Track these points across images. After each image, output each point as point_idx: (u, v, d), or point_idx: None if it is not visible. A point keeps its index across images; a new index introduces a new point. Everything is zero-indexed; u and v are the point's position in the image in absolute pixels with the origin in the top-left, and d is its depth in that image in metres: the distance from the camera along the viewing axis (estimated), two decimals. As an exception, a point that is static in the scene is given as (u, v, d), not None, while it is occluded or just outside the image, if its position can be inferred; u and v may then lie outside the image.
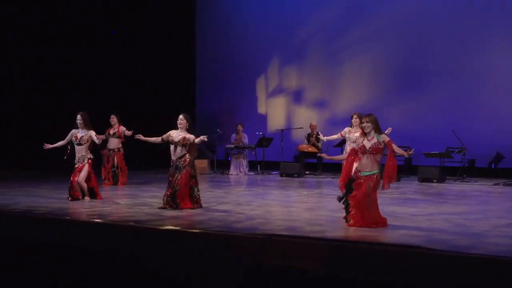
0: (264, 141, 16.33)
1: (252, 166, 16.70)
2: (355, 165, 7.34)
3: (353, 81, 16.79)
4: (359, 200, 7.04)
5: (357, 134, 7.85)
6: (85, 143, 9.94)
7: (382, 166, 7.30)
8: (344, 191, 7.35)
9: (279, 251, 5.92)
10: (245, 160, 16.54)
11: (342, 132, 10.54)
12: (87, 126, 10.01)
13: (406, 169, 14.79)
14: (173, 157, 8.85)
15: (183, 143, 8.78)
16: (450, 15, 15.54)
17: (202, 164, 16.04)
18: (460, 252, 5.41)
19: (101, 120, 12.68)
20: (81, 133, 9.97)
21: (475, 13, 15.27)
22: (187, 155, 8.81)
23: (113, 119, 12.87)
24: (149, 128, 17.02)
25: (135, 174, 14.38)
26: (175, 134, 8.87)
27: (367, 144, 7.18)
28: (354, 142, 7.73)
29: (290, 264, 5.76)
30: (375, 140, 7.18)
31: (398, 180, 13.65)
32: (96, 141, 9.98)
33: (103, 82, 17.49)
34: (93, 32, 17.45)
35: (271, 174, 16.03)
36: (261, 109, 18.49)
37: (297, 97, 17.80)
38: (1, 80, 15.92)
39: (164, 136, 8.99)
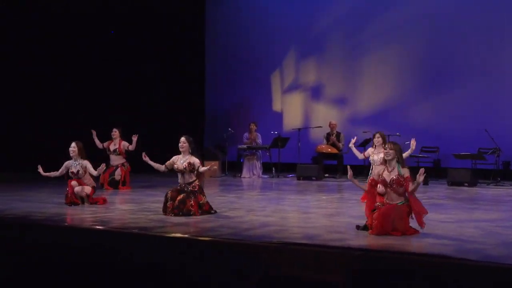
0: (280, 141, 16.32)
1: (266, 168, 16.69)
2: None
3: (376, 76, 16.75)
4: (383, 212, 7.02)
5: (381, 155, 8.11)
6: (83, 175, 10.02)
7: None
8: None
9: (296, 261, 5.91)
10: (259, 162, 16.54)
11: (365, 153, 10.79)
12: (82, 156, 10.05)
13: (435, 172, 14.72)
14: (181, 181, 8.87)
15: (190, 169, 8.78)
16: (481, 6, 15.47)
17: (212, 166, 16.01)
18: (493, 263, 5.38)
19: (107, 121, 12.71)
20: (77, 167, 10.01)
21: (506, 3, 15.18)
22: (196, 181, 8.82)
23: (115, 133, 12.87)
24: (156, 127, 17.23)
25: (139, 177, 14.42)
26: (179, 162, 8.85)
27: (387, 177, 7.25)
28: (379, 164, 7.91)
29: (307, 275, 5.75)
30: (395, 172, 7.23)
31: (426, 183, 13.61)
32: (94, 173, 9.99)
33: (108, 78, 17.61)
34: (97, 30, 17.71)
35: (287, 177, 16.02)
36: (276, 107, 18.48)
37: (315, 93, 17.78)
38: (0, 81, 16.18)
39: (168, 163, 8.99)
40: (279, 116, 18.34)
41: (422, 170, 7.06)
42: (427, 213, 7.25)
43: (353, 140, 11.12)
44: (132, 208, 9.54)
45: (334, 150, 15.80)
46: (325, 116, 17.11)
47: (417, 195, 7.36)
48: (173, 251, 6.65)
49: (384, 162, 7.41)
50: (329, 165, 16.20)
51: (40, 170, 10.08)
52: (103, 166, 9.81)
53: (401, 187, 7.20)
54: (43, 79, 16.59)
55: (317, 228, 7.53)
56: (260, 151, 16.59)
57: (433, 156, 15.15)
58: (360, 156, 10.98)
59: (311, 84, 17.88)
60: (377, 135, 10.18)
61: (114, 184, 12.57)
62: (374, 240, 6.79)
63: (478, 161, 14.19)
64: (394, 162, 7.29)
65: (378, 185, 7.36)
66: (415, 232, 7.12)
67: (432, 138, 15.19)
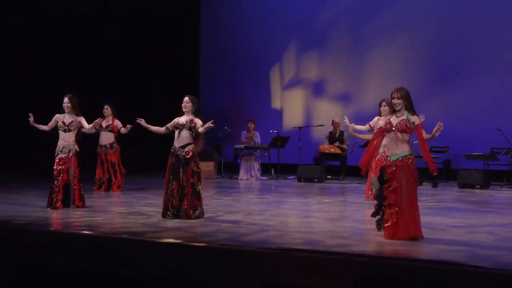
0: (279, 141, 16.33)
1: (265, 169, 16.71)
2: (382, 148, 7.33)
3: (382, 71, 16.76)
4: (397, 210, 6.97)
5: None
6: (74, 129, 9.93)
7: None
8: (365, 175, 7.34)
9: (296, 268, 5.91)
10: (257, 163, 16.55)
11: (371, 123, 10.40)
12: (76, 111, 10.00)
13: (444, 174, 14.73)
14: (176, 144, 8.83)
15: (190, 125, 8.76)
16: (493, 1, 15.49)
17: (207, 167, 16.07)
18: (507, 270, 5.37)
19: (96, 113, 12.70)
20: (70, 118, 9.96)
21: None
22: (191, 146, 8.79)
23: (107, 110, 12.78)
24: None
25: (130, 179, 14.41)
26: (182, 119, 8.86)
27: (394, 120, 7.14)
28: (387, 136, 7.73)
29: (308, 283, 5.74)
30: (404, 117, 7.13)
31: (435, 185, 13.62)
32: (87, 127, 9.95)
33: (105, 77, 17.76)
34: (97, 30, 17.95)
35: (287, 179, 16.03)
36: (276, 104, 18.49)
37: (317, 89, 17.80)
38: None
39: (169, 125, 8.93)
40: (278, 114, 18.35)
41: (440, 124, 7.00)
42: (437, 172, 7.22)
43: (346, 121, 10.59)
44: (122, 212, 9.53)
45: (337, 150, 15.80)
46: (327, 114, 17.11)
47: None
48: (166, 257, 6.64)
49: (392, 109, 7.27)
50: (332, 166, 16.22)
51: (31, 118, 10.08)
52: (100, 120, 9.77)
53: (406, 133, 7.08)
54: (42, 79, 16.75)
55: (319, 233, 7.52)
56: (258, 151, 16.60)
57: (443, 157, 15.14)
58: (365, 128, 10.55)
59: (313, 79, 17.89)
60: (384, 103, 9.89)
61: (108, 185, 12.55)
62: (380, 246, 6.78)
63: (490, 161, 14.20)
64: (403, 110, 7.19)
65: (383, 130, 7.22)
66: (421, 231, 7.07)
67: (441, 138, 14.93)
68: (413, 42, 16.32)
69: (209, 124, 8.68)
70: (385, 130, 7.17)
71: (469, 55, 15.64)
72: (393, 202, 7.00)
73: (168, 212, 8.69)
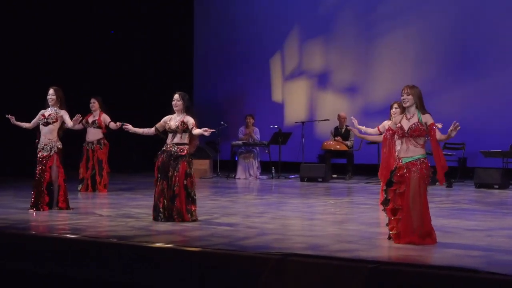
0: (281, 137, 16.34)
1: (264, 168, 16.72)
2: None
3: (393, 61, 16.76)
4: (402, 215, 7.01)
5: None
6: (54, 122, 9.86)
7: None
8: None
9: (299, 274, 5.93)
10: (256, 161, 16.56)
11: (380, 127, 10.47)
12: (61, 104, 9.99)
13: (460, 172, 14.75)
14: (169, 143, 8.80)
15: (183, 128, 8.77)
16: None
17: (202, 165, 16.09)
18: (527, 277, 5.39)
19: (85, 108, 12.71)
20: (50, 110, 9.95)
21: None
22: (186, 146, 8.80)
23: (94, 104, 12.75)
24: (138, 119, 17.26)
25: (118, 179, 14.42)
26: (172, 121, 8.83)
27: (406, 124, 7.16)
28: (398, 139, 7.72)
29: (312, 291, 5.76)
30: (415, 119, 7.15)
31: (450, 185, 13.63)
32: (69, 124, 9.88)
33: (83, 64, 17.72)
34: (96, 28, 18.10)
35: (289, 178, 16.06)
36: (276, 96, 18.51)
37: (322, 80, 17.81)
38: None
39: (158, 124, 8.91)
40: (279, 108, 18.36)
41: (456, 124, 7.01)
42: (447, 168, 7.23)
43: (355, 123, 10.49)
44: (110, 214, 9.55)
45: (344, 147, 15.81)
46: (333, 108, 17.13)
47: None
48: (157, 263, 6.66)
49: (403, 110, 7.31)
50: (338, 164, 16.23)
51: (12, 118, 10.12)
52: (78, 117, 9.76)
53: (420, 137, 7.12)
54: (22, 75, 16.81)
55: (323, 237, 7.54)
56: (257, 148, 16.61)
57: (458, 154, 15.15)
58: (374, 131, 10.56)
59: (317, 70, 17.89)
60: (395, 105, 9.89)
61: (93, 184, 12.55)
62: (389, 251, 6.81)
63: (510, 159, 14.22)
64: (413, 109, 7.21)
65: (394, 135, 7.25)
66: (434, 234, 7.09)
67: (457, 134, 15.18)
68: (428, 28, 16.30)
69: (204, 131, 8.66)
70: (398, 135, 7.20)
71: (489, 44, 15.62)
72: (400, 207, 7.03)
73: (160, 214, 8.69)
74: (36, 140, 9.99)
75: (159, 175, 8.79)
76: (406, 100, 7.18)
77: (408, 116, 7.19)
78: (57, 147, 9.89)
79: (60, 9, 17.29)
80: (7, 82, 16.23)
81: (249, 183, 15.39)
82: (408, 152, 7.13)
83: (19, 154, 15.34)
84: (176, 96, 8.85)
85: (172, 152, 8.76)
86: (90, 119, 12.65)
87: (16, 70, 16.50)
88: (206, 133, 8.71)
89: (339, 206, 10.86)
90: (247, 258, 6.35)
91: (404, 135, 7.13)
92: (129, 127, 9.14)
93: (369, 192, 12.76)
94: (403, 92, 7.22)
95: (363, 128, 10.70)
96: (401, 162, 7.14)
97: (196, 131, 8.72)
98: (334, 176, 15.85)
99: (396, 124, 7.26)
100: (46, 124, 9.87)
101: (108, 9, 18.17)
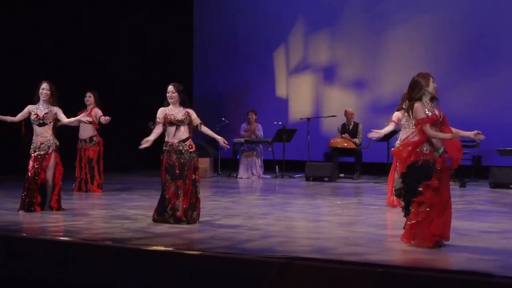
0: (285, 134, 16.35)
1: (268, 166, 16.73)
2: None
3: (402, 54, 16.76)
4: (428, 211, 6.96)
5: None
6: (50, 122, 9.88)
7: None
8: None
9: (304, 279, 5.94)
10: (259, 159, 16.57)
11: (394, 118, 10.42)
12: (53, 100, 9.97)
13: (474, 172, 14.76)
14: (173, 140, 8.74)
15: (188, 120, 8.75)
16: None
17: (202, 164, 15.98)
18: (545, 282, 5.40)
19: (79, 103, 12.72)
20: (44, 109, 9.91)
21: None
22: (191, 140, 8.78)
23: (90, 99, 12.61)
24: (136, 116, 17.33)
25: (113, 178, 14.44)
26: (174, 112, 8.79)
27: (437, 111, 7.08)
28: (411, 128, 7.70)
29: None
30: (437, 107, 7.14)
31: (463, 185, 13.62)
32: (65, 121, 9.90)
33: (82, 64, 17.78)
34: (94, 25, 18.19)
35: (294, 178, 16.07)
36: (280, 91, 18.51)
37: (328, 75, 17.82)
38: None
39: (160, 120, 8.77)
40: (284, 103, 18.37)
41: (479, 136, 6.99)
42: (461, 184, 7.22)
43: (375, 136, 10.69)
44: (105, 215, 9.56)
45: (352, 145, 15.80)
46: (340, 103, 17.13)
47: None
48: (155, 267, 6.67)
49: (431, 99, 7.18)
50: (345, 162, 16.24)
51: None
52: (84, 115, 9.76)
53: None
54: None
55: (330, 240, 7.55)
56: (260, 146, 16.62)
57: (473, 152, 15.14)
58: (392, 128, 10.55)
59: (323, 63, 17.90)
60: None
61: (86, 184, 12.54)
62: (399, 254, 6.81)
63: (527, 157, 14.24)
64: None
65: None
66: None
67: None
68: (439, 19, 16.30)
69: (223, 141, 8.96)
70: (432, 123, 7.00)
71: (504, 36, 15.62)
72: (427, 201, 6.93)
73: (165, 214, 8.66)
74: (22, 134, 9.99)
75: (168, 176, 8.72)
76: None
77: (431, 104, 7.15)
78: (55, 145, 9.90)
79: (60, 9, 17.35)
80: (6, 82, 16.28)
81: (251, 183, 15.40)
82: (438, 143, 7.05)
83: (4, 151, 15.42)
84: (171, 87, 8.84)
85: (183, 152, 8.73)
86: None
87: (16, 70, 16.55)
88: (224, 146, 8.95)
89: (347, 207, 10.87)
90: (250, 262, 6.35)
91: (438, 123, 7.02)
92: (147, 144, 8.76)
93: (378, 192, 12.76)
94: (433, 80, 7.20)
95: (382, 131, 10.68)
96: (435, 154, 7.00)
97: (205, 129, 8.80)
98: (341, 175, 15.86)
99: (428, 114, 7.02)
100: (42, 124, 9.86)
101: (108, 9, 18.23)
